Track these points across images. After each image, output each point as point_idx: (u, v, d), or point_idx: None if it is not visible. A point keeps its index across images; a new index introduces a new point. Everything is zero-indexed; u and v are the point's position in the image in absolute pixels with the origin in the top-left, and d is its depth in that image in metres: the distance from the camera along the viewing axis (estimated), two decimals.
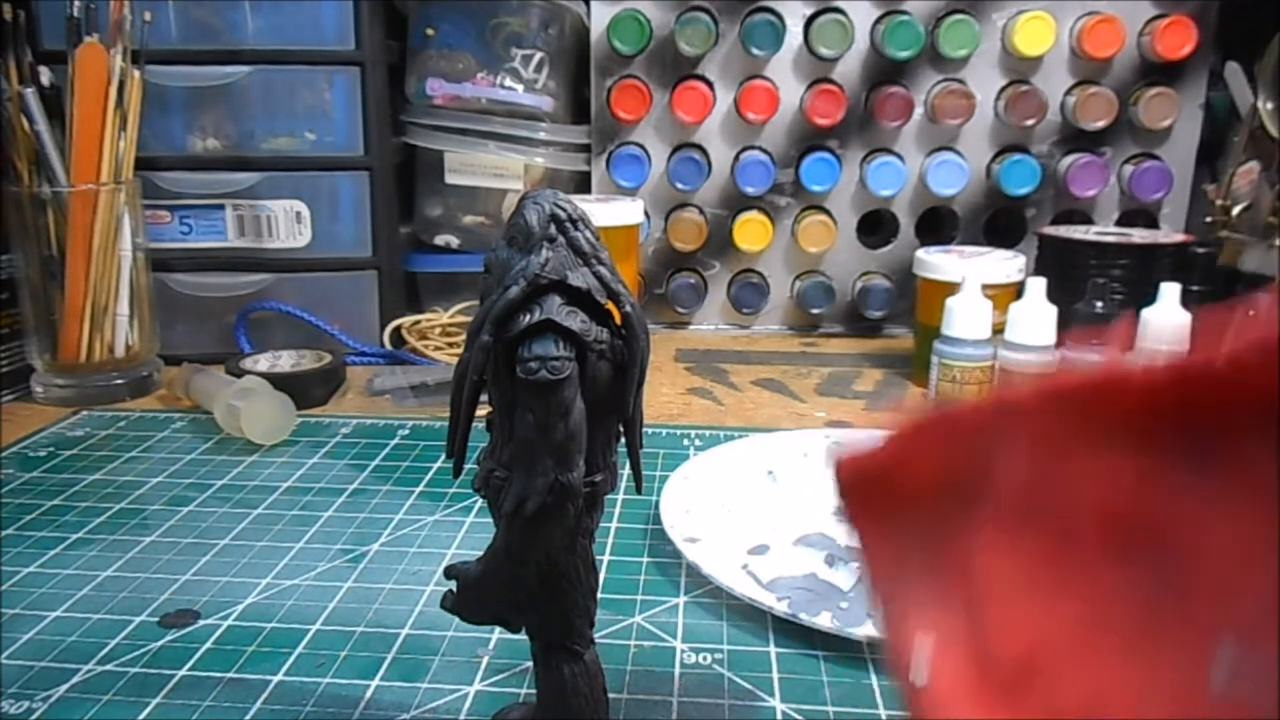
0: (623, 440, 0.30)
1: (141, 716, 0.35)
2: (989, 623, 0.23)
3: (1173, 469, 0.20)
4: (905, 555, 0.25)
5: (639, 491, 0.31)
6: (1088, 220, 0.90)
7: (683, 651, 0.39)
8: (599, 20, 0.88)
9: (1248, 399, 0.18)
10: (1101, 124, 0.87)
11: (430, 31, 0.87)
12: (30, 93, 0.68)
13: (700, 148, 0.91)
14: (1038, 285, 0.58)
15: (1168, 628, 0.20)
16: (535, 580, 0.29)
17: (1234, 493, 0.19)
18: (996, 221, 0.92)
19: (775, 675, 0.37)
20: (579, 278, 0.27)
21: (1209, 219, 0.81)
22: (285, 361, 0.73)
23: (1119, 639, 0.21)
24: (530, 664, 0.32)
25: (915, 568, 0.24)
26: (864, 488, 0.26)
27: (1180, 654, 0.20)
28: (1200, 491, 0.19)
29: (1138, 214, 0.91)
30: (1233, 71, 0.82)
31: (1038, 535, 0.22)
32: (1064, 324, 0.58)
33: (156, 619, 0.41)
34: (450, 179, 0.88)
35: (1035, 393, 0.22)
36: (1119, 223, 0.90)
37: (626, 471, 0.31)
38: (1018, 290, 0.62)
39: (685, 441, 0.62)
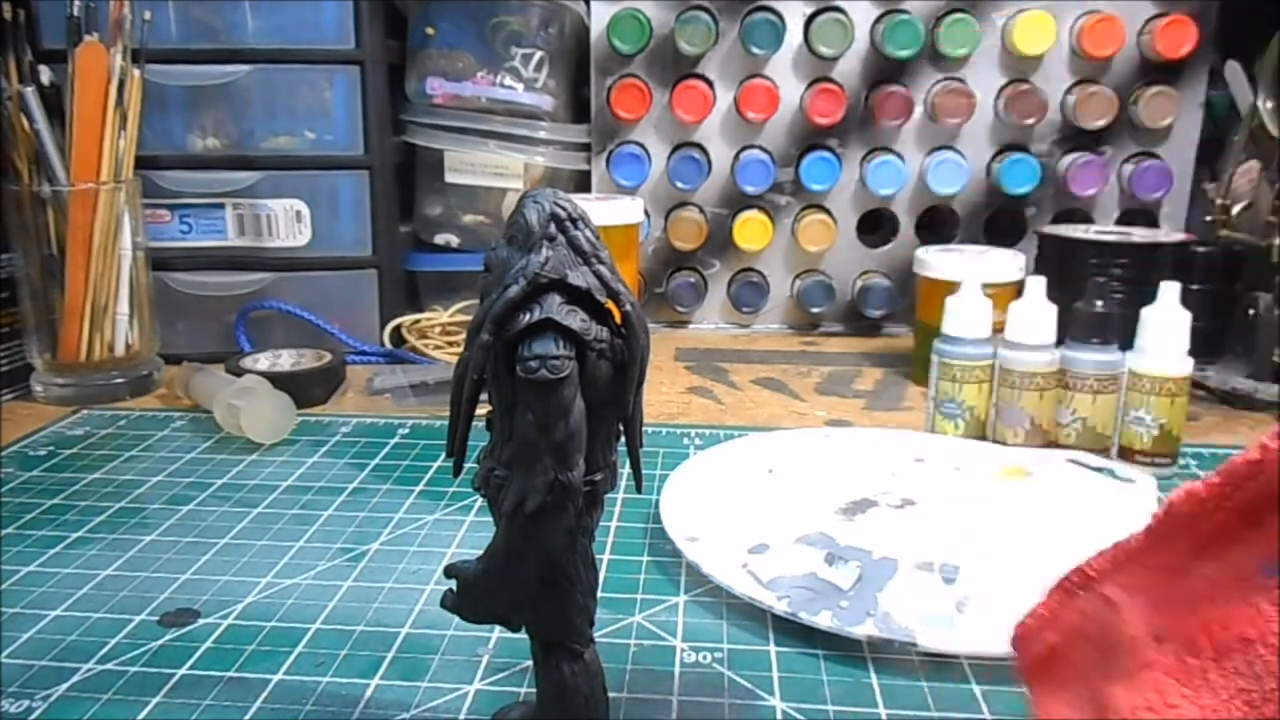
0: (623, 439, 0.30)
1: (141, 716, 0.35)
2: None
3: (1254, 572, 0.23)
4: (1070, 705, 0.28)
5: (639, 490, 0.31)
6: (1088, 219, 0.90)
7: (683, 650, 0.39)
8: (599, 19, 0.88)
9: None
10: (1101, 123, 0.87)
11: (430, 30, 0.87)
12: (30, 92, 0.68)
13: (700, 147, 0.91)
14: (1038, 284, 0.59)
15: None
16: (535, 580, 0.29)
17: None
18: (996, 220, 0.92)
19: (775, 674, 0.37)
20: (579, 277, 0.27)
21: (1209, 218, 0.81)
22: (285, 360, 0.73)
23: None
24: (530, 663, 0.32)
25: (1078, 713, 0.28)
26: (1028, 646, 0.29)
27: None
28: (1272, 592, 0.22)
29: (1138, 213, 0.91)
30: (1233, 70, 0.82)
31: (1163, 657, 0.25)
32: (1064, 323, 0.58)
33: (156, 618, 0.41)
34: (450, 178, 0.88)
35: (1144, 533, 0.26)
36: (1119, 222, 0.90)
37: (626, 470, 0.31)
38: (1018, 289, 0.62)
39: (685, 441, 0.62)
